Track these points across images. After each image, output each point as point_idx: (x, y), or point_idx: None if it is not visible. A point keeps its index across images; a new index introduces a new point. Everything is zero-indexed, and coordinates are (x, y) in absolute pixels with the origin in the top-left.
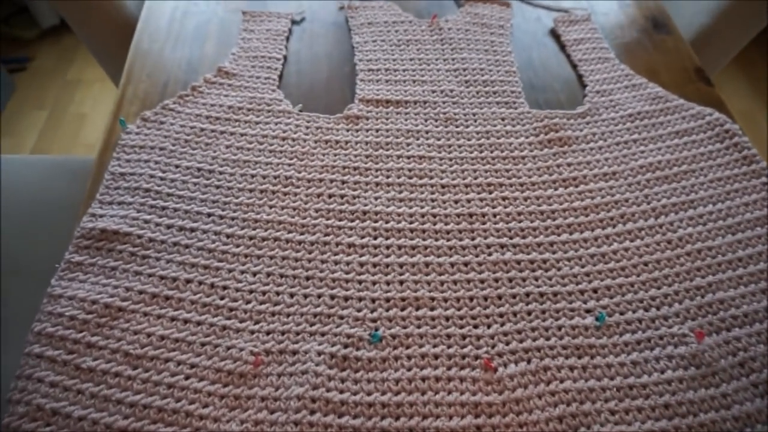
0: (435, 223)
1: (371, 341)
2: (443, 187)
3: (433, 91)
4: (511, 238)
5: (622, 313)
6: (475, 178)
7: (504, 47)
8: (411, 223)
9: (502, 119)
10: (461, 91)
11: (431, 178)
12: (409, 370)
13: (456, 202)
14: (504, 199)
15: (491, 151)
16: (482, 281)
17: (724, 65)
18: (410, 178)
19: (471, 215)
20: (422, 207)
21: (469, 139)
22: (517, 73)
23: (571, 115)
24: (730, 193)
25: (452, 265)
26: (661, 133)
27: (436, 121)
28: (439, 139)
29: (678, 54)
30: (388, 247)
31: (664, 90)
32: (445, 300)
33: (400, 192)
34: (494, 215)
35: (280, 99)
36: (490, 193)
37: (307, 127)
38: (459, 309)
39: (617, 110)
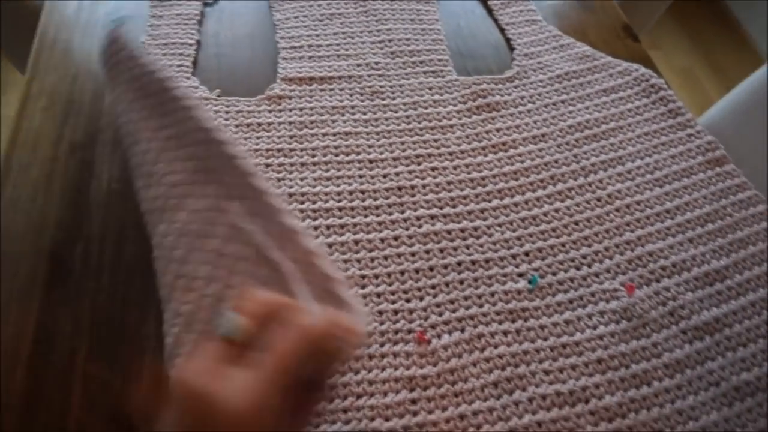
0: (363, 200)
1: None
2: (371, 162)
3: (359, 65)
4: (441, 209)
5: (554, 274)
6: (403, 151)
7: (430, 15)
8: (339, 201)
9: (430, 89)
10: (387, 63)
11: (358, 153)
12: None
13: (384, 176)
14: (433, 169)
15: (419, 122)
16: (413, 254)
17: (654, 22)
18: (337, 155)
19: (400, 188)
20: (350, 184)
21: (396, 112)
22: (445, 41)
23: (498, 80)
24: (657, 147)
25: (382, 240)
26: (589, 92)
27: (362, 95)
28: (365, 114)
29: (605, 12)
30: (315, 228)
31: (592, 48)
32: (376, 276)
33: (327, 171)
34: (423, 186)
35: (196, 86)
36: (419, 164)
37: (227, 112)
38: (390, 284)
39: (545, 72)
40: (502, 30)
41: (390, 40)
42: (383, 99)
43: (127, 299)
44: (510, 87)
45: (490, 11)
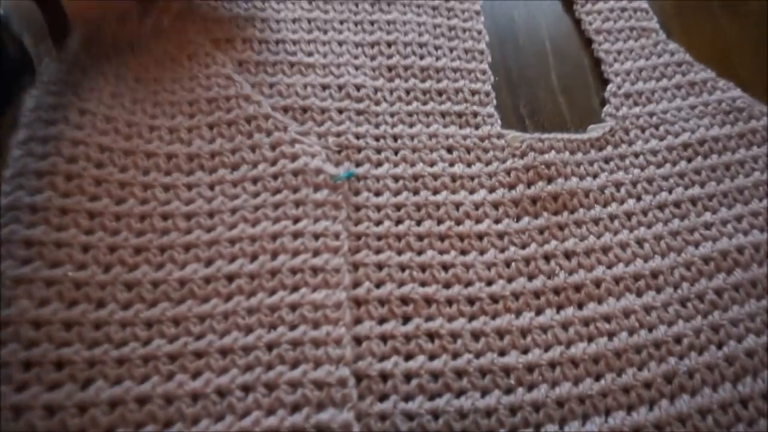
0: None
1: None
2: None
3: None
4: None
5: None
6: (398, 285)
7: (466, 5)
8: None
9: (449, 149)
10: (382, 85)
11: None
12: None
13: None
14: (429, 335)
15: (433, 222)
16: None
17: None
18: None
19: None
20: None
21: (380, 196)
22: (487, 54)
23: (576, 144)
24: None
25: None
26: (745, 185)
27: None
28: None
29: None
30: None
31: (748, 96)
32: None
33: None
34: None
35: None
36: (408, 311)
37: None
38: None
39: (664, 133)
40: (588, 41)
41: (390, 56)
42: (365, 154)
43: None
44: (597, 160)
45: (570, 3)
